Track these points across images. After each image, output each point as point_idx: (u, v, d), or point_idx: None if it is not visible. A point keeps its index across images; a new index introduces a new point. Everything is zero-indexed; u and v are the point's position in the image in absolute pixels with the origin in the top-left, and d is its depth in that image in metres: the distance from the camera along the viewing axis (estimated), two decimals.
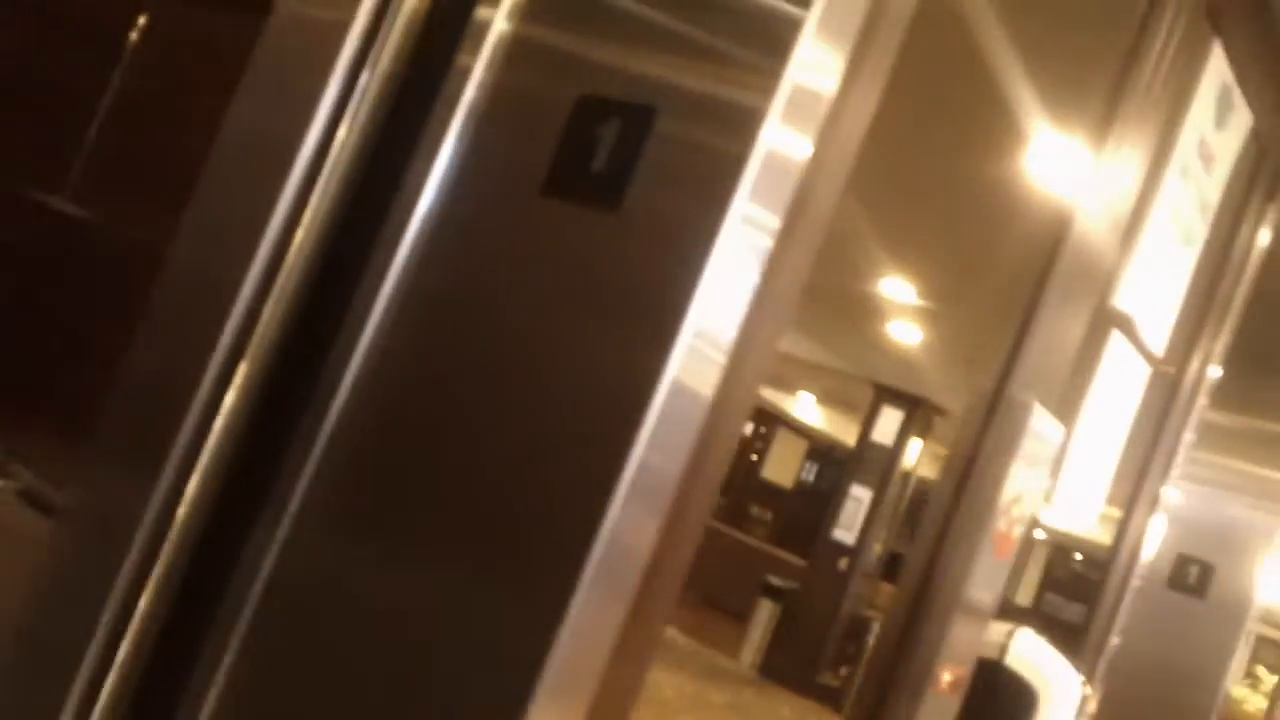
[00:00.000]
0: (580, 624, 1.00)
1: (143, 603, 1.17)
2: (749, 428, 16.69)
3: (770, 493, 15.38)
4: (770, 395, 15.40)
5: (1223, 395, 3.44)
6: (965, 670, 1.61)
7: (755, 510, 14.03)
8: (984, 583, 1.60)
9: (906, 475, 8.90)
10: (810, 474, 16.35)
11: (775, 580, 8.34)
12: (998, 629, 1.87)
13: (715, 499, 1.13)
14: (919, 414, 8.63)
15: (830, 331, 8.28)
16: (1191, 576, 3.41)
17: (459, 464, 1.10)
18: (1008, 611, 1.95)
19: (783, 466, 16.25)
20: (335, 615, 1.12)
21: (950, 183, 3.66)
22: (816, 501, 11.52)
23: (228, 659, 1.14)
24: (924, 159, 3.62)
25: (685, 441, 1.04)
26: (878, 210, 4.44)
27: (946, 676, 1.57)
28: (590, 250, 1.08)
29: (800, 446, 16.52)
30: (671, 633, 8.17)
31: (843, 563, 8.39)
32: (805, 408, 15.57)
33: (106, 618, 1.17)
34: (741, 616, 8.46)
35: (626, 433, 1.00)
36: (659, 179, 1.06)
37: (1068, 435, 1.79)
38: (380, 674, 1.08)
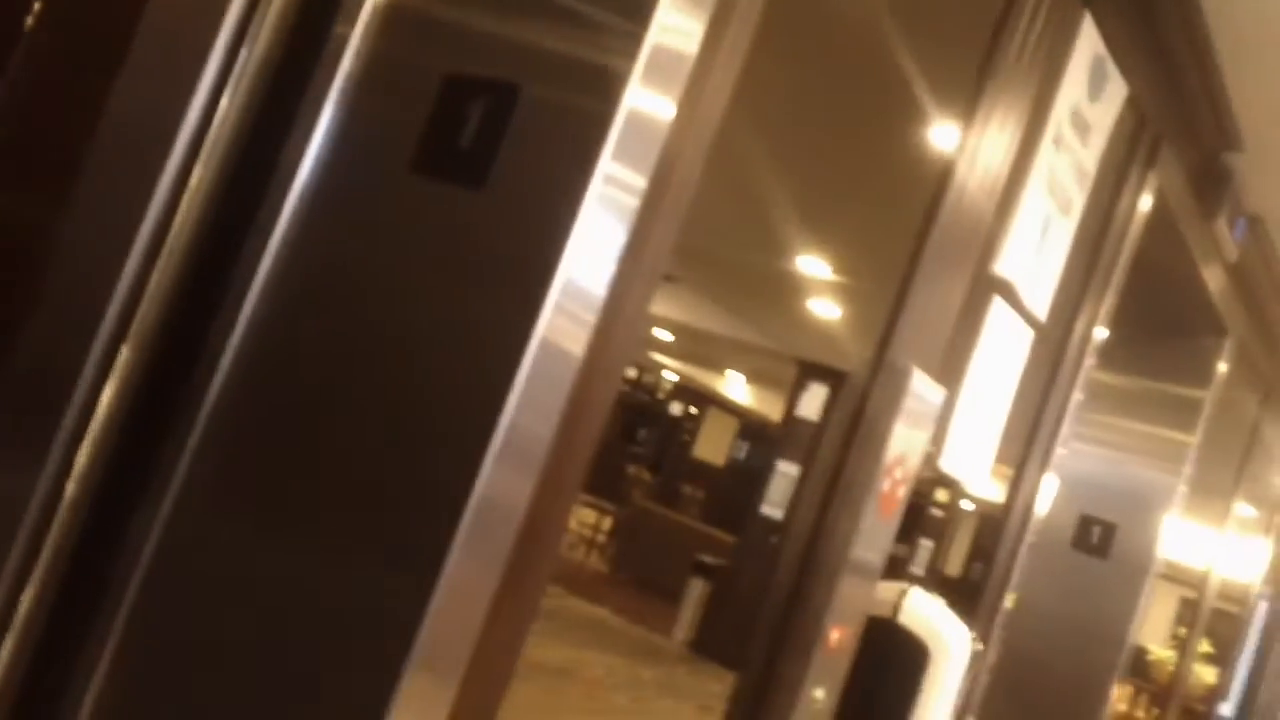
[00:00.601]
0: (454, 587, 1.02)
1: (31, 583, 1.16)
2: (679, 408, 16.80)
3: (702, 471, 15.51)
4: (700, 375, 15.51)
5: (1119, 358, 3.55)
6: (853, 629, 1.66)
7: (688, 490, 14.13)
8: (870, 543, 1.65)
9: (835, 449, 9.00)
10: (741, 452, 16.51)
11: (705, 558, 8.41)
12: (890, 588, 1.93)
13: (589, 459, 1.16)
14: (843, 388, 8.75)
15: (754, 310, 8.37)
16: (1095, 536, 3.52)
17: (334, 435, 1.11)
18: (936, 581, 2.01)
19: (714, 445, 16.38)
20: (217, 589, 1.12)
21: (856, 160, 3.72)
22: (748, 479, 11.63)
23: (113, 636, 1.14)
24: (831, 137, 3.67)
25: (557, 401, 1.06)
26: (790, 188, 4.50)
27: (835, 635, 1.62)
28: (459, 221, 1.10)
29: (731, 425, 16.67)
30: (603, 613, 8.22)
31: (773, 538, 8.49)
32: (735, 387, 15.72)
33: None
34: (675, 595, 8.53)
35: (496, 394, 1.02)
36: (525, 146, 1.08)
37: (952, 397, 1.85)
38: (260, 644, 1.09)
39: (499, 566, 1.06)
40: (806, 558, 1.62)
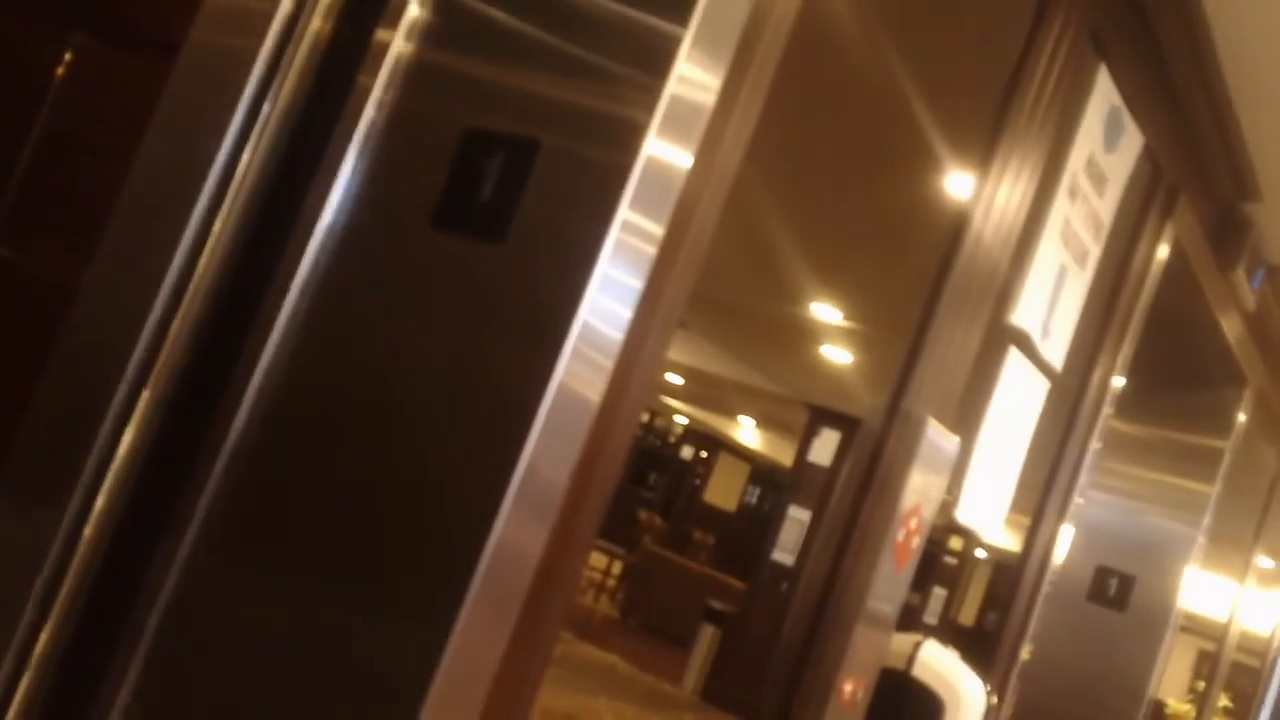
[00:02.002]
0: (468, 635, 1.01)
1: (49, 625, 1.16)
2: (690, 452, 16.75)
3: (713, 517, 15.42)
4: (711, 419, 15.48)
5: (1137, 407, 3.53)
6: (867, 681, 1.64)
7: (698, 535, 14.06)
8: (884, 594, 1.63)
9: (846, 496, 8.94)
10: (752, 497, 16.43)
11: (716, 604, 8.34)
12: (904, 640, 1.91)
13: (605, 506, 1.15)
14: (855, 434, 8.71)
15: (765, 356, 8.37)
16: (1111, 589, 3.48)
17: (352, 482, 1.11)
18: (950, 630, 1.99)
19: (725, 490, 16.31)
20: (232, 634, 1.12)
21: (868, 206, 3.73)
22: (759, 524, 11.57)
23: (130, 678, 1.13)
24: (843, 184, 3.69)
25: (573, 448, 1.06)
26: (804, 236, 4.52)
27: (849, 687, 1.60)
28: (479, 271, 1.10)
29: (742, 470, 16.61)
30: (613, 659, 8.14)
31: (784, 585, 8.42)
32: (746, 432, 15.67)
33: (15, 640, 1.16)
34: (685, 642, 8.45)
35: (514, 441, 1.02)
36: (545, 199, 1.09)
37: (967, 447, 1.84)
38: (274, 690, 1.08)
39: (513, 615, 1.05)
40: (820, 608, 1.61)
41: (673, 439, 16.78)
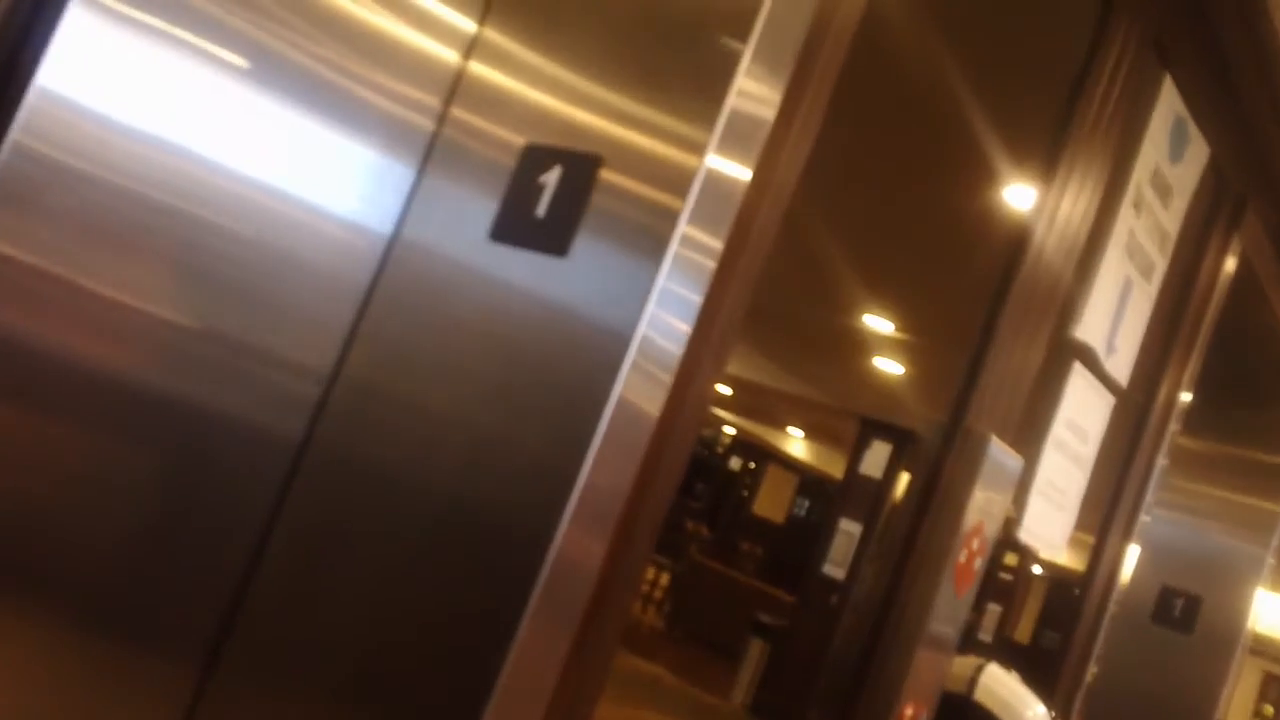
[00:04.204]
0: (527, 650, 0.99)
1: None
2: (738, 463, 16.66)
3: (761, 528, 15.32)
4: (759, 430, 15.39)
5: (1203, 424, 3.44)
6: (928, 705, 1.60)
7: (745, 546, 13.97)
8: (946, 616, 1.59)
9: (896, 508, 8.84)
10: (801, 509, 16.30)
11: (765, 618, 8.27)
12: (965, 663, 1.86)
13: (661, 520, 1.13)
14: (907, 446, 8.61)
15: (815, 366, 8.30)
16: (1177, 609, 3.38)
17: (413, 490, 1.10)
18: (1005, 648, 1.94)
19: (773, 502, 16.20)
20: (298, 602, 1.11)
21: (923, 219, 3.68)
22: (807, 536, 11.48)
23: None
24: (897, 196, 3.64)
25: (632, 462, 1.04)
26: (855, 247, 4.47)
27: (909, 711, 1.56)
28: (540, 286, 1.09)
29: (790, 481, 16.49)
30: (660, 672, 8.09)
31: (833, 598, 8.33)
32: (795, 443, 15.56)
33: None
34: (732, 654, 8.39)
35: (575, 454, 1.00)
36: (606, 207, 1.07)
37: (1030, 465, 1.79)
38: (333, 694, 1.07)
39: (572, 628, 1.03)
40: (878, 629, 1.57)
41: (720, 449, 16.71)
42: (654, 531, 1.12)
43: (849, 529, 8.60)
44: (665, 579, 10.87)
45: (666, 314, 1.03)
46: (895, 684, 1.53)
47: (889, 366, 6.80)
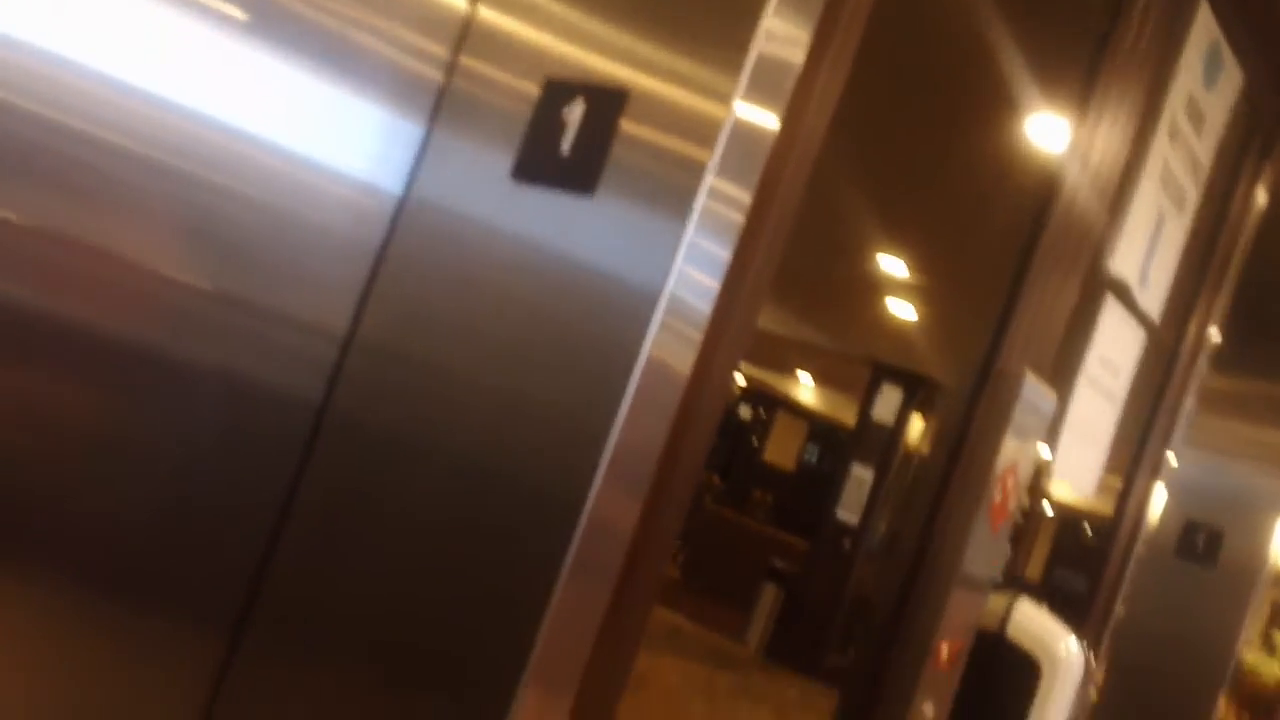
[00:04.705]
0: (565, 605, 0.98)
1: None
2: (748, 411, 16.67)
3: (772, 476, 15.36)
4: (769, 378, 15.38)
5: (1226, 359, 3.41)
6: (964, 644, 1.59)
7: (757, 494, 14.01)
8: (981, 556, 1.57)
9: (909, 453, 8.83)
10: (812, 455, 16.32)
11: (778, 563, 8.31)
12: (997, 600, 1.85)
13: (697, 478, 1.11)
14: (919, 391, 8.59)
15: (825, 312, 8.25)
16: (1200, 543, 3.38)
17: (444, 448, 1.08)
18: (1017, 586, 1.94)
19: (784, 449, 16.22)
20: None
21: (940, 156, 3.62)
22: (818, 483, 11.50)
23: None
24: (913, 133, 3.58)
25: (664, 419, 1.02)
26: (868, 186, 4.41)
27: (945, 650, 1.55)
28: (564, 233, 1.06)
29: (801, 428, 16.49)
30: (677, 619, 8.16)
31: (846, 543, 8.37)
32: (804, 389, 15.54)
33: None
34: (747, 601, 8.44)
35: (606, 411, 0.98)
36: (628, 160, 1.04)
37: (1063, 402, 1.77)
38: (375, 648, 1.06)
39: (609, 585, 1.02)
40: (914, 572, 1.55)
41: (730, 398, 16.70)
42: (689, 490, 1.10)
43: (861, 475, 8.60)
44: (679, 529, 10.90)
45: (694, 270, 1.00)
46: (931, 624, 1.52)
47: (902, 311, 6.75)
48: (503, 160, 1.10)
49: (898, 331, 7.37)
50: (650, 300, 0.98)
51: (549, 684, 0.98)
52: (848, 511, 8.57)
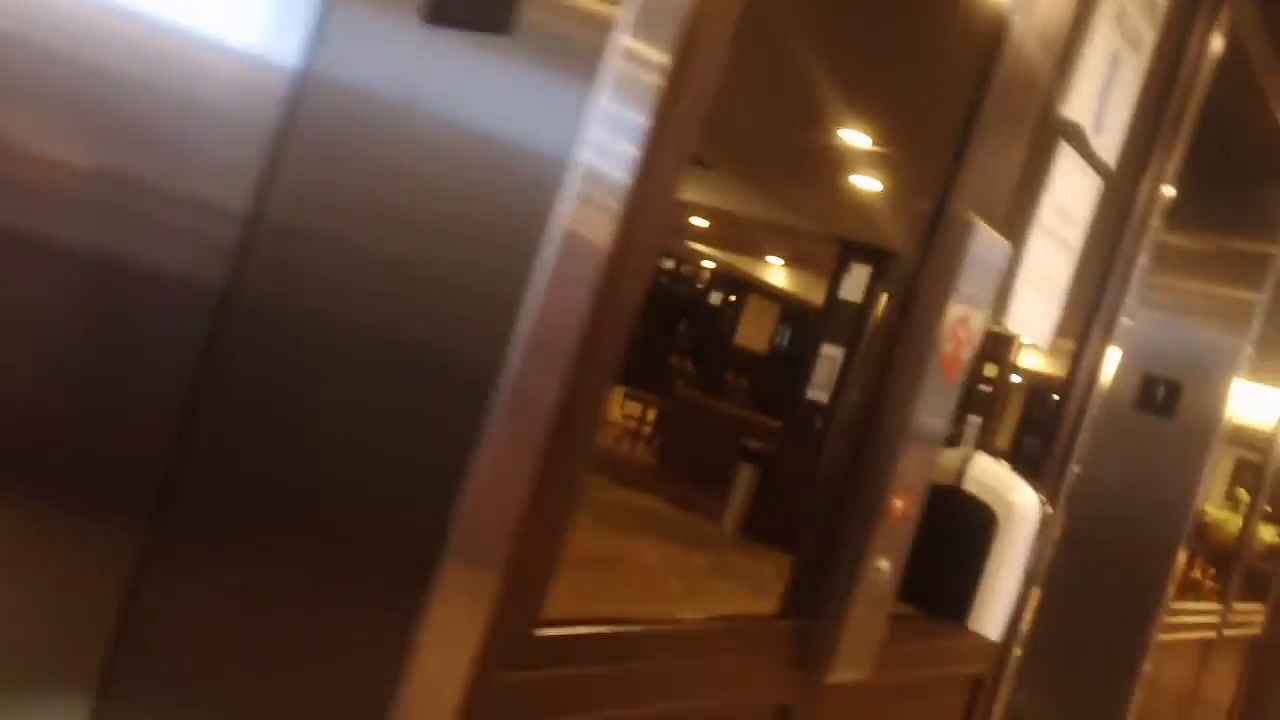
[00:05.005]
0: (488, 477, 0.95)
1: None
2: (719, 297, 16.67)
3: (745, 360, 15.45)
4: (739, 261, 15.34)
5: (1182, 214, 3.39)
6: (917, 497, 1.59)
7: (730, 378, 14.11)
8: (933, 408, 1.56)
9: (878, 329, 8.86)
10: (784, 338, 16.40)
11: (752, 444, 8.40)
12: (953, 455, 1.86)
13: (623, 349, 1.09)
14: (886, 267, 8.59)
15: (792, 191, 8.18)
16: (1159, 396, 3.42)
17: (354, 326, 1.04)
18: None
19: (756, 332, 16.29)
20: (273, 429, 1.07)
21: (897, 20, 3.53)
22: (791, 365, 11.57)
23: None
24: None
25: (584, 290, 0.98)
26: (827, 55, 4.31)
27: (898, 504, 1.55)
28: (471, 100, 1.01)
29: (773, 311, 16.54)
30: (653, 502, 8.26)
31: (818, 421, 8.45)
32: (775, 272, 15.54)
33: None
34: (723, 484, 8.56)
35: (519, 284, 0.94)
36: (537, 20, 0.97)
37: (1017, 251, 1.75)
38: (288, 531, 1.04)
39: (533, 456, 0.99)
40: (866, 424, 1.54)
41: (700, 285, 16.69)
42: (616, 359, 1.07)
43: (831, 354, 8.66)
44: (653, 414, 11.00)
45: (607, 136, 0.94)
46: (883, 477, 1.52)
47: (866, 184, 6.69)
48: (407, 22, 1.04)
49: (864, 206, 7.32)
50: (560, 168, 0.92)
51: (473, 558, 0.96)
52: (819, 391, 8.65)
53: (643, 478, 9.28)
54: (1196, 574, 5.82)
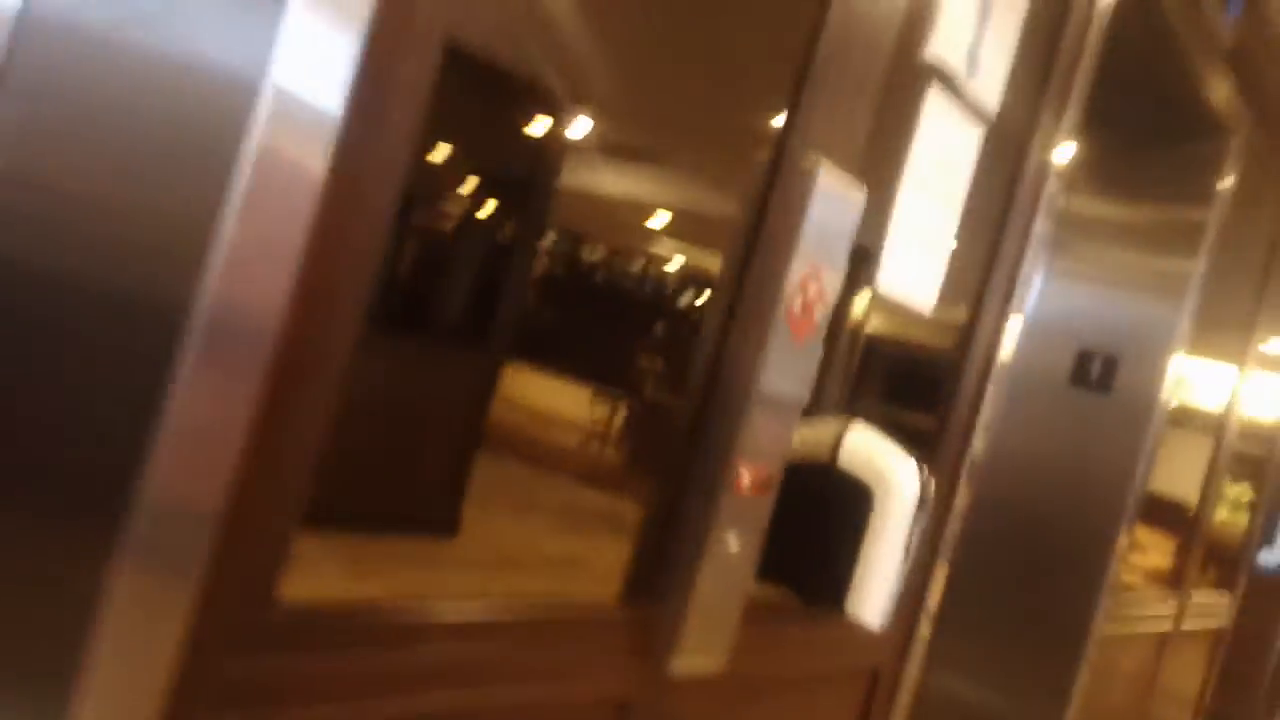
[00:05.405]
0: (187, 422, 0.83)
1: None
2: (688, 295, 16.51)
3: None
4: (707, 260, 15.20)
5: (1106, 182, 3.27)
6: (771, 470, 1.46)
7: None
8: (783, 372, 1.43)
9: (855, 330, 8.74)
10: None
11: None
12: (827, 429, 1.73)
13: (366, 287, 0.98)
14: (860, 264, 8.45)
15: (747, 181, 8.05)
16: (1094, 370, 3.30)
17: (38, 261, 0.92)
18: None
19: None
20: None
21: None
22: None
23: None
24: None
25: (295, 219, 0.87)
26: (756, 41, 4.19)
27: (747, 477, 1.42)
28: (164, 28, 0.90)
29: None
30: (621, 505, 8.12)
31: None
32: None
33: None
34: None
35: (207, 212, 0.83)
36: None
37: (884, 204, 1.62)
38: None
39: (247, 399, 0.86)
40: (707, 391, 1.41)
41: (668, 285, 16.54)
42: (356, 298, 0.97)
43: None
44: (622, 416, 10.87)
45: (313, 62, 0.87)
46: (726, 447, 1.39)
47: None
48: None
49: None
50: (250, 94, 0.84)
51: (173, 516, 0.83)
52: None
53: (611, 478, 9.13)
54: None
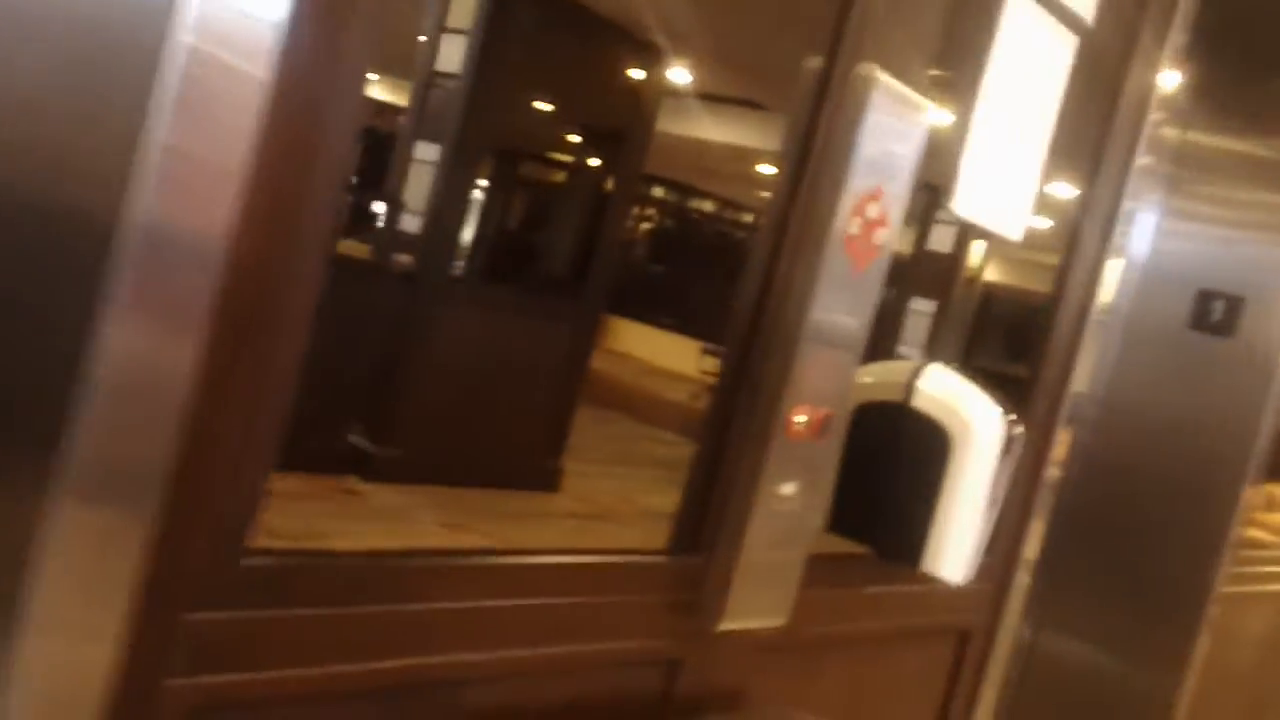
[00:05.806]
0: (127, 346, 0.76)
1: None
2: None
3: None
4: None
5: (1233, 117, 3.00)
6: (830, 411, 1.34)
7: None
8: (839, 303, 1.31)
9: (972, 281, 8.41)
10: None
11: None
12: (901, 369, 1.59)
13: (330, 204, 0.90)
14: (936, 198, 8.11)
15: None
16: (1217, 312, 3.05)
17: None
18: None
19: None
20: None
21: None
22: (879, 319, 11.15)
23: None
24: None
25: (239, 128, 0.79)
26: None
27: (801, 419, 1.30)
28: None
29: None
30: None
31: None
32: None
33: None
34: None
35: (133, 104, 0.76)
36: None
37: (965, 123, 1.48)
38: None
39: (196, 316, 0.80)
40: (753, 327, 1.30)
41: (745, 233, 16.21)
42: (323, 218, 0.90)
43: (921, 308, 8.25)
44: None
45: None
46: (777, 386, 1.28)
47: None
48: None
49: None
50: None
51: (122, 438, 0.77)
52: (909, 347, 8.27)
53: None
54: None
